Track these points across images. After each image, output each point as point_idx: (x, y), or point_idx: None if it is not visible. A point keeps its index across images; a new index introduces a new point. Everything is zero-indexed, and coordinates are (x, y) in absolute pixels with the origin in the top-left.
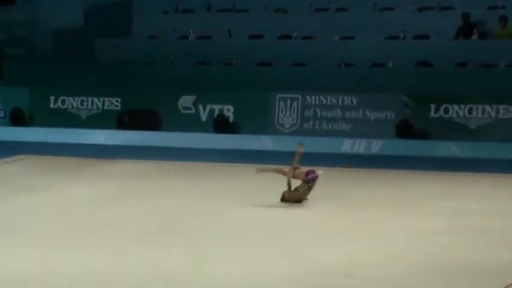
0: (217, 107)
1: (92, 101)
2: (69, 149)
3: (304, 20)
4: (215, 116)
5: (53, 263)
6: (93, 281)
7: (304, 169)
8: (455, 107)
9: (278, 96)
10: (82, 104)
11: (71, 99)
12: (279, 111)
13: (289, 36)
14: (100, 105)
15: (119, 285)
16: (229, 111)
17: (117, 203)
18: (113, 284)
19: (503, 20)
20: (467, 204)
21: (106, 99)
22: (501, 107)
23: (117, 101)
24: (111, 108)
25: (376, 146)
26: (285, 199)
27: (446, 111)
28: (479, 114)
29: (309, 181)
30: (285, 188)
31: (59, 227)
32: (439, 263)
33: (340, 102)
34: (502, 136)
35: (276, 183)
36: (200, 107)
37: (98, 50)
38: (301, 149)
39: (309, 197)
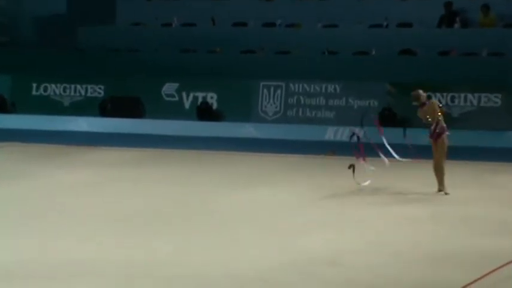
0: (200, 95)
1: (75, 88)
2: (51, 136)
3: (287, 8)
4: (198, 103)
5: (37, 251)
6: (76, 268)
7: None
8: (438, 95)
9: (262, 83)
10: (65, 91)
11: (53, 86)
12: (262, 98)
13: (272, 24)
14: (83, 93)
15: (100, 272)
16: (212, 99)
17: (100, 190)
18: (95, 271)
19: (485, 8)
20: (448, 192)
21: (89, 87)
22: (483, 95)
23: (100, 88)
24: (94, 95)
25: (359, 134)
26: None
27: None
28: (462, 103)
29: None
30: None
31: (42, 214)
32: (421, 251)
33: (323, 90)
34: (484, 124)
35: (256, 171)
36: (184, 94)
37: (81, 37)
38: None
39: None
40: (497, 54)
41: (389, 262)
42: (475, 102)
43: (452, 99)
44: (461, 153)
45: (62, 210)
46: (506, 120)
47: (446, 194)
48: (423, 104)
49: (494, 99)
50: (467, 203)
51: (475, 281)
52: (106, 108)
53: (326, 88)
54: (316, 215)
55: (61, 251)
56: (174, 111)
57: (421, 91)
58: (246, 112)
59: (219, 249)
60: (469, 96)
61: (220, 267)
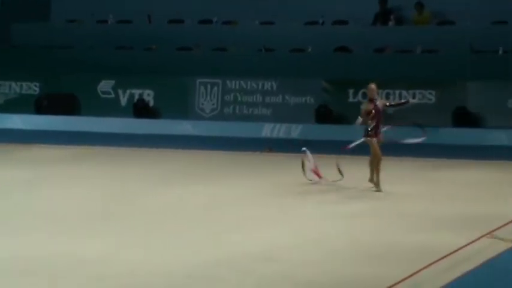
0: (137, 92)
1: (10, 85)
2: None
3: (224, 5)
4: (135, 100)
5: None
6: (6, 268)
7: None
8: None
9: (198, 81)
10: None
11: None
12: (199, 96)
13: (209, 21)
14: (18, 90)
15: (34, 273)
16: (149, 96)
17: (35, 188)
18: (27, 270)
19: (419, 6)
20: (383, 188)
21: (24, 84)
22: (418, 92)
23: (35, 85)
24: (29, 92)
25: (295, 131)
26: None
27: (364, 96)
28: (397, 99)
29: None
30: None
31: None
32: (358, 247)
33: (260, 87)
34: (419, 121)
35: (193, 168)
36: (120, 91)
37: (15, 34)
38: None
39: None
40: (432, 52)
41: (326, 258)
42: (409, 98)
43: (388, 96)
44: (397, 150)
45: None
46: (440, 116)
47: (379, 191)
48: (373, 100)
49: (428, 96)
50: (404, 199)
51: (412, 275)
52: (41, 105)
53: (263, 85)
54: (253, 212)
55: None
56: (110, 108)
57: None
58: (182, 109)
59: (152, 246)
60: (404, 93)
61: (153, 264)
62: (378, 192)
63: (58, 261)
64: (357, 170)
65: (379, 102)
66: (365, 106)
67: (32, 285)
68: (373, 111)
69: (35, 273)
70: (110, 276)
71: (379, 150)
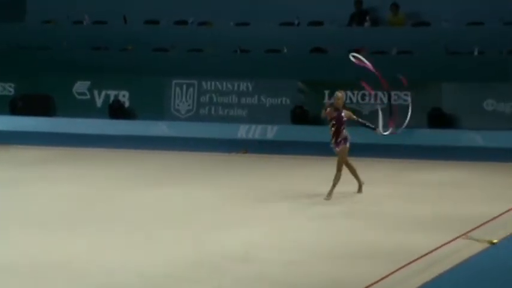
0: (112, 93)
1: None
2: None
3: (200, 5)
4: (110, 101)
5: None
6: None
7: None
8: (349, 93)
9: (174, 81)
10: None
11: None
12: (175, 96)
13: (185, 22)
14: None
15: (13, 273)
16: (124, 97)
17: (11, 190)
18: (6, 272)
19: (395, 7)
20: (362, 189)
21: None
22: (393, 93)
23: (10, 86)
24: (4, 93)
25: (271, 132)
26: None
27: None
28: (372, 100)
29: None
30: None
31: None
32: (335, 247)
33: (235, 88)
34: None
35: (169, 169)
36: (95, 92)
37: None
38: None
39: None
40: (407, 53)
41: (303, 258)
42: (385, 99)
43: (363, 97)
44: (373, 151)
45: None
46: (415, 117)
47: (326, 199)
48: (338, 109)
49: (404, 97)
50: (380, 200)
51: (389, 275)
52: (16, 106)
53: (238, 86)
54: (230, 213)
55: None
56: (85, 109)
57: None
58: (158, 110)
59: (130, 247)
60: (379, 94)
61: (131, 265)
62: (354, 194)
63: (36, 262)
64: (329, 172)
65: (345, 113)
66: (329, 109)
67: (11, 285)
68: (334, 121)
69: (13, 274)
70: (88, 276)
71: (343, 159)
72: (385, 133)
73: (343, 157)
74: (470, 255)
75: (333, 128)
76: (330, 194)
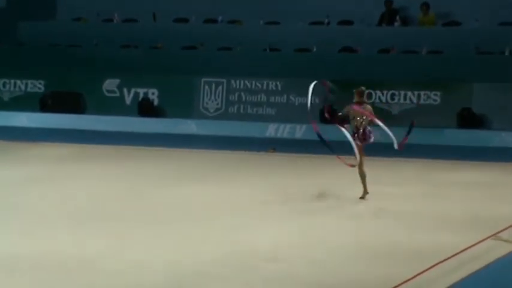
0: (141, 91)
1: (15, 83)
2: None
3: (229, 4)
4: (140, 99)
5: None
6: (16, 265)
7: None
8: (378, 92)
9: (203, 80)
10: (4, 86)
11: None
12: (203, 95)
13: (214, 20)
14: (23, 88)
15: (40, 270)
16: (154, 95)
17: (40, 186)
18: (34, 268)
19: (425, 6)
20: (388, 189)
21: (29, 82)
22: (422, 92)
23: (40, 83)
24: (34, 90)
25: (300, 131)
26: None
27: (369, 96)
28: (401, 100)
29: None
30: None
31: None
32: (362, 247)
33: (264, 87)
34: (424, 122)
35: (198, 167)
36: (125, 90)
37: (21, 32)
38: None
39: None
40: (437, 53)
41: (332, 258)
42: (414, 99)
43: (392, 96)
44: (403, 151)
45: (2, 206)
46: (445, 117)
47: (361, 198)
48: (361, 103)
49: (433, 97)
50: (408, 199)
51: (418, 275)
52: (46, 103)
53: (267, 85)
54: (258, 211)
55: (2, 246)
56: (115, 107)
57: None
58: (187, 108)
59: (158, 245)
60: (409, 93)
61: (158, 263)
62: (381, 193)
63: (63, 258)
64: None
65: (365, 108)
66: (355, 111)
67: (36, 282)
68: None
69: (42, 270)
70: (115, 274)
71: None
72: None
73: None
74: (499, 256)
75: (358, 123)
76: (364, 193)
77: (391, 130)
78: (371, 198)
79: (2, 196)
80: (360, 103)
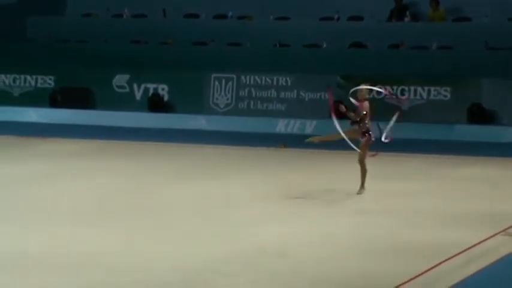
0: (151, 86)
1: (25, 78)
2: (1, 128)
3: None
4: (150, 95)
5: None
6: (26, 262)
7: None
8: (388, 88)
9: (213, 75)
10: (14, 82)
11: (3, 76)
12: (213, 90)
13: (224, 16)
14: (33, 83)
15: (51, 266)
16: (163, 91)
17: (51, 182)
18: (45, 264)
19: (435, 2)
20: (397, 185)
21: (39, 77)
22: (432, 88)
23: (50, 79)
24: (44, 86)
25: (310, 126)
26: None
27: (379, 92)
28: (412, 96)
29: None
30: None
31: None
32: (370, 243)
33: (274, 83)
34: (434, 117)
35: (207, 163)
36: (135, 85)
37: (31, 28)
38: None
39: None
40: (447, 48)
41: (340, 255)
42: (424, 95)
43: (402, 92)
44: (411, 146)
45: (13, 202)
46: (455, 113)
47: (358, 193)
48: (365, 100)
49: (443, 93)
50: (418, 196)
51: (427, 271)
52: (56, 99)
53: (277, 80)
54: (267, 207)
55: (12, 243)
56: (125, 102)
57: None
58: (197, 104)
59: (166, 241)
60: (419, 89)
61: (166, 259)
62: (389, 190)
63: (73, 254)
64: (369, 168)
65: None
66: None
67: (47, 277)
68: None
69: (51, 266)
70: (124, 270)
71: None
72: (385, 140)
73: (363, 150)
74: (509, 252)
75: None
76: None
77: (398, 125)
78: (380, 194)
79: (13, 192)
80: (367, 100)
